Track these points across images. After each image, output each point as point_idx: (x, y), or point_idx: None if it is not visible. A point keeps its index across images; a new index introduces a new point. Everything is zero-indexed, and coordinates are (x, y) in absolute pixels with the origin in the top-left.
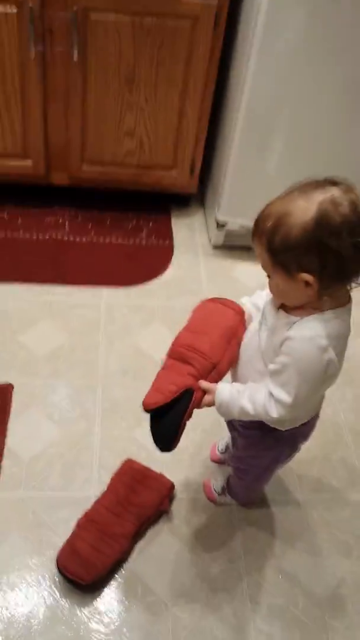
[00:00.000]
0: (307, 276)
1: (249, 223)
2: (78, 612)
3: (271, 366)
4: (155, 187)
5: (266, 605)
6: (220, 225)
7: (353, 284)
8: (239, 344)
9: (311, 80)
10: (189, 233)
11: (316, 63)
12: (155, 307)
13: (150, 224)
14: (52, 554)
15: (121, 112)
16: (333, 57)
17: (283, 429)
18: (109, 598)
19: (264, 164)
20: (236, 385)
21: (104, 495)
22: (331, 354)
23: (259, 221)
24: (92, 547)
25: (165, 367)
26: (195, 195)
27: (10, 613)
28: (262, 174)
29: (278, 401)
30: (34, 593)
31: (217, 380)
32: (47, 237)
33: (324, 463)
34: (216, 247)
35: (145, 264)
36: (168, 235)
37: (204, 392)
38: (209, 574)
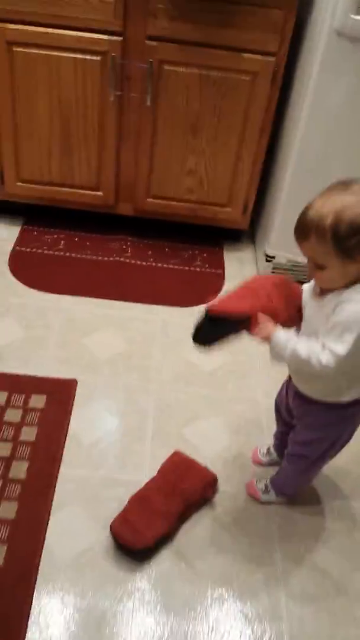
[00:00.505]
0: None
1: (294, 257)
2: (126, 576)
3: (324, 329)
4: (210, 221)
5: (298, 592)
6: (268, 259)
7: None
8: (297, 308)
9: (357, 135)
10: (239, 265)
11: None
12: None
13: (205, 255)
14: (106, 523)
15: (184, 154)
16: None
17: (344, 402)
18: (155, 568)
19: None
20: (292, 332)
21: (154, 479)
22: None
23: (312, 222)
24: (142, 520)
25: (246, 287)
26: (247, 231)
27: (65, 573)
28: None
29: (330, 350)
30: (88, 553)
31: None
32: (111, 259)
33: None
34: None
35: (198, 288)
36: (220, 265)
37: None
38: (246, 557)
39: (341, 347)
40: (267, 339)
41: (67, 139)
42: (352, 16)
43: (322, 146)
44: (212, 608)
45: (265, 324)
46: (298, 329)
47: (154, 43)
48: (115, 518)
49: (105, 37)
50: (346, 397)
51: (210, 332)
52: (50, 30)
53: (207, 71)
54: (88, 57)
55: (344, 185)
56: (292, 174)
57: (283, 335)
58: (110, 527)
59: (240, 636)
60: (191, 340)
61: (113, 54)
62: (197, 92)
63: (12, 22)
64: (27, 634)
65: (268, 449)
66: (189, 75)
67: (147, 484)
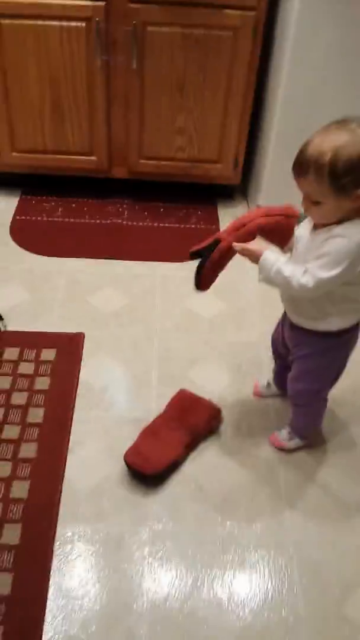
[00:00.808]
0: None
1: None
2: (140, 500)
3: (314, 256)
4: (203, 179)
5: (302, 507)
6: None
7: None
8: (277, 222)
9: (339, 83)
10: (233, 220)
11: (342, 68)
12: None
13: (199, 212)
14: (120, 457)
15: (173, 113)
16: (358, 62)
17: (334, 330)
18: (167, 491)
19: None
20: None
21: (162, 415)
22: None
23: (310, 159)
24: (153, 450)
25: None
26: (239, 187)
27: (85, 502)
28: None
29: (312, 274)
30: (105, 484)
31: (248, 238)
32: (108, 222)
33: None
34: None
35: (194, 244)
36: (215, 221)
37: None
38: (251, 479)
39: (321, 273)
40: (257, 258)
41: (58, 107)
42: None
43: (305, 97)
44: (221, 525)
45: (257, 244)
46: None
47: (136, 5)
48: (127, 449)
49: (88, 2)
50: (335, 326)
51: (197, 269)
52: (35, 0)
53: (190, 29)
54: (73, 23)
55: (342, 123)
56: (278, 126)
57: (271, 255)
58: (124, 457)
59: (249, 546)
60: (193, 290)
61: (97, 19)
62: (182, 51)
63: None
64: (53, 560)
65: (268, 383)
66: (173, 34)
67: (155, 419)
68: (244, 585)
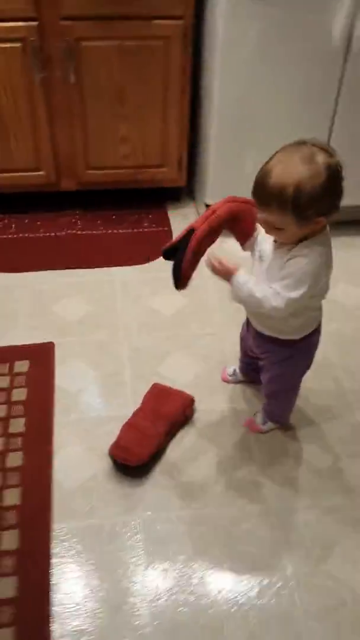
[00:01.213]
0: (321, 218)
1: None
2: (128, 491)
3: (279, 275)
4: (150, 183)
5: (279, 479)
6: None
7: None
8: (243, 209)
9: (268, 80)
10: (183, 220)
11: (270, 66)
12: (161, 278)
13: (150, 216)
14: (103, 454)
15: (115, 123)
16: (285, 60)
17: (296, 339)
18: (152, 480)
19: (239, 153)
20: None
21: (139, 409)
22: (323, 259)
23: (272, 193)
24: (135, 442)
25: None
26: (185, 188)
27: (75, 500)
28: (238, 161)
29: (283, 296)
30: (92, 481)
31: (221, 224)
32: (63, 234)
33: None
34: None
35: (148, 247)
36: (166, 223)
37: (208, 228)
38: (229, 459)
39: (290, 294)
40: (228, 279)
41: (1, 126)
42: None
43: (239, 95)
44: (209, 498)
45: (227, 265)
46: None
47: (68, 22)
48: (111, 445)
49: (21, 23)
50: (298, 335)
51: (174, 265)
52: None
53: (123, 41)
54: (8, 45)
55: (301, 150)
56: (217, 126)
57: (242, 278)
58: (109, 452)
59: (237, 521)
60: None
61: (32, 39)
62: (117, 62)
63: None
64: (52, 559)
65: (234, 370)
66: (107, 48)
67: (133, 414)
68: (238, 559)
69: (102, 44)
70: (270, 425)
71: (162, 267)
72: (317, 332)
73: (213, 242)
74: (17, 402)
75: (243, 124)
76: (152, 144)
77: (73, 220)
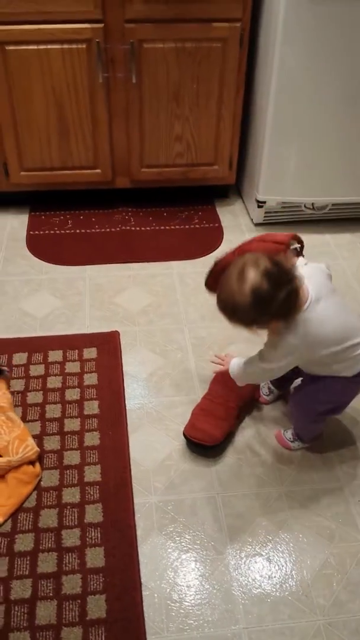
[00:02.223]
0: (274, 322)
1: (284, 198)
2: (203, 470)
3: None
4: (201, 181)
5: (349, 457)
6: (260, 205)
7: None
8: (269, 250)
9: (322, 81)
10: (232, 217)
11: (325, 67)
12: None
13: (200, 213)
14: (176, 435)
15: (171, 122)
16: (339, 61)
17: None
18: (226, 460)
19: (290, 151)
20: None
21: (208, 393)
22: (296, 349)
23: (222, 311)
24: (209, 424)
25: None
26: (233, 187)
27: (154, 476)
28: (289, 158)
29: (256, 360)
30: (168, 460)
31: None
32: (117, 229)
33: None
34: (257, 224)
35: (201, 242)
36: (216, 220)
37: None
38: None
39: (262, 361)
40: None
41: (63, 125)
42: None
43: (293, 96)
44: (280, 484)
45: (224, 362)
46: None
47: (132, 25)
48: (185, 426)
49: (88, 25)
50: (345, 373)
51: (211, 278)
52: (37, 26)
53: (183, 43)
54: (74, 46)
55: (238, 275)
56: (271, 126)
57: (233, 365)
58: (184, 433)
59: (305, 493)
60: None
61: (97, 40)
62: (176, 64)
63: (1, 23)
64: (137, 529)
65: (269, 388)
66: (167, 49)
67: (204, 396)
68: (311, 528)
69: (162, 46)
70: (299, 444)
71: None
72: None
73: None
74: (89, 386)
75: (295, 124)
76: (205, 143)
77: (126, 216)
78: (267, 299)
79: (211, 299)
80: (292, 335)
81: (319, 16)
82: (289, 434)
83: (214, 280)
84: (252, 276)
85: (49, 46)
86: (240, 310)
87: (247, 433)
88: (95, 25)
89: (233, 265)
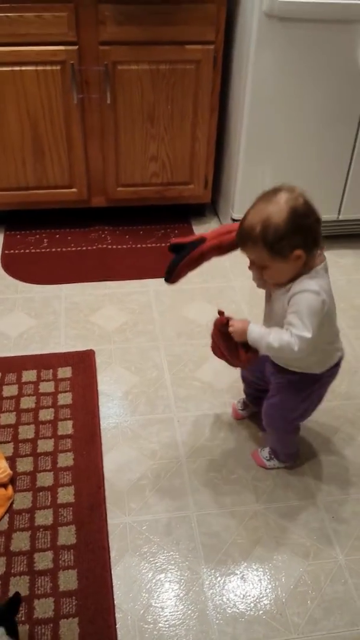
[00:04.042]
0: (298, 252)
1: None
2: (181, 488)
3: (287, 319)
4: (177, 200)
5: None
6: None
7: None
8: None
9: (295, 101)
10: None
11: (297, 87)
12: (194, 289)
13: (176, 231)
14: (151, 454)
15: (146, 142)
16: (311, 81)
17: (317, 373)
18: (203, 477)
19: (264, 170)
20: (264, 327)
21: None
22: (323, 295)
23: (246, 233)
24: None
25: None
26: (209, 205)
27: (129, 497)
28: (264, 177)
29: (299, 337)
30: (144, 480)
31: (227, 244)
32: (94, 248)
33: None
34: None
35: None
36: None
37: (216, 244)
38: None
39: (306, 332)
40: (243, 336)
41: (38, 145)
42: None
43: (266, 115)
44: (256, 502)
45: (237, 324)
46: None
47: (106, 47)
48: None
49: (62, 47)
50: (317, 370)
51: (172, 263)
52: (11, 48)
53: (157, 65)
54: (49, 67)
55: (272, 194)
56: (245, 145)
57: (256, 335)
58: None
59: (288, 507)
60: (185, 289)
61: (71, 62)
62: (150, 85)
63: None
64: (111, 551)
65: (244, 403)
66: (141, 71)
67: None
68: (286, 546)
69: (136, 68)
70: (275, 463)
71: (193, 280)
72: (337, 366)
73: (218, 255)
74: (63, 406)
75: (269, 143)
76: (181, 162)
77: (103, 235)
78: (302, 214)
79: (188, 317)
80: (315, 281)
81: (290, 38)
82: (265, 453)
83: (185, 267)
84: (288, 194)
85: (24, 68)
86: (272, 226)
87: (223, 450)
88: (70, 47)
89: (263, 193)
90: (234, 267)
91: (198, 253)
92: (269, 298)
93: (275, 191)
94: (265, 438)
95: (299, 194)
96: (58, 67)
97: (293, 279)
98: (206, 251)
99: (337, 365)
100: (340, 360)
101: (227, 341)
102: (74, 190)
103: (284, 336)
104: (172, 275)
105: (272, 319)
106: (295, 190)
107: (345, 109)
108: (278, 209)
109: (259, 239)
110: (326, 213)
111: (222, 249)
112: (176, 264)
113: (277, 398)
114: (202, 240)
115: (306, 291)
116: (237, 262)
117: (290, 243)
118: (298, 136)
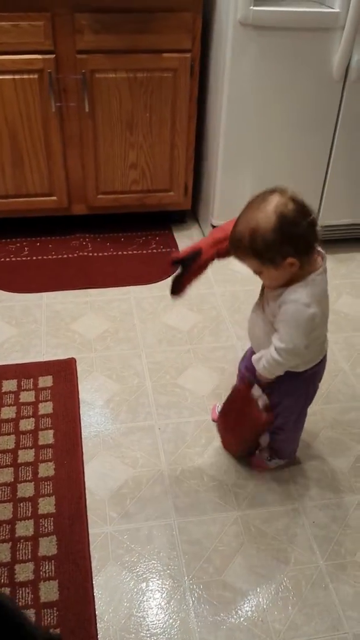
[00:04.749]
0: (290, 259)
1: None
2: (162, 496)
3: (275, 325)
4: (157, 207)
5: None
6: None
7: (318, 250)
8: None
9: (271, 108)
10: (189, 241)
11: (273, 95)
12: None
13: (157, 238)
14: (132, 463)
15: (125, 150)
16: (287, 89)
17: (300, 371)
18: (184, 485)
19: (243, 176)
20: (257, 355)
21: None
22: (313, 308)
23: (236, 241)
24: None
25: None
26: (189, 212)
27: (109, 506)
28: (243, 183)
29: (281, 349)
30: (125, 489)
31: (223, 252)
32: (75, 255)
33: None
34: None
35: (159, 267)
36: (173, 244)
37: (214, 252)
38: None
39: (285, 345)
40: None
41: (17, 153)
42: (252, 7)
43: (244, 122)
44: (236, 509)
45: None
46: None
47: (84, 56)
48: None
49: (39, 56)
50: (302, 369)
51: (176, 278)
52: None
53: (134, 73)
54: (26, 76)
55: (260, 199)
56: (224, 151)
57: (255, 356)
58: None
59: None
60: (168, 303)
61: (49, 71)
62: (128, 93)
63: None
64: (92, 561)
65: None
66: (119, 79)
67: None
68: (267, 552)
69: (114, 76)
70: (277, 462)
71: None
72: (323, 361)
73: (219, 260)
74: (44, 415)
75: (247, 150)
76: (160, 170)
77: (84, 242)
78: (291, 222)
79: (170, 324)
80: (309, 289)
81: (265, 46)
82: (264, 454)
83: (188, 280)
84: (278, 198)
85: (1, 77)
86: (260, 234)
87: (204, 457)
88: (47, 56)
89: (255, 196)
90: (216, 273)
91: (197, 267)
92: (261, 298)
93: (265, 195)
94: (261, 441)
95: (288, 198)
96: (36, 76)
97: (289, 283)
98: (203, 264)
99: (322, 361)
100: (324, 357)
101: (249, 406)
102: (53, 198)
103: (269, 355)
104: (178, 290)
105: (257, 324)
106: (285, 194)
107: (321, 115)
108: (266, 218)
109: (248, 248)
110: None
111: (220, 256)
112: (181, 280)
113: (283, 405)
114: (199, 252)
115: (296, 302)
116: (218, 268)
117: (280, 252)
118: (275, 142)
